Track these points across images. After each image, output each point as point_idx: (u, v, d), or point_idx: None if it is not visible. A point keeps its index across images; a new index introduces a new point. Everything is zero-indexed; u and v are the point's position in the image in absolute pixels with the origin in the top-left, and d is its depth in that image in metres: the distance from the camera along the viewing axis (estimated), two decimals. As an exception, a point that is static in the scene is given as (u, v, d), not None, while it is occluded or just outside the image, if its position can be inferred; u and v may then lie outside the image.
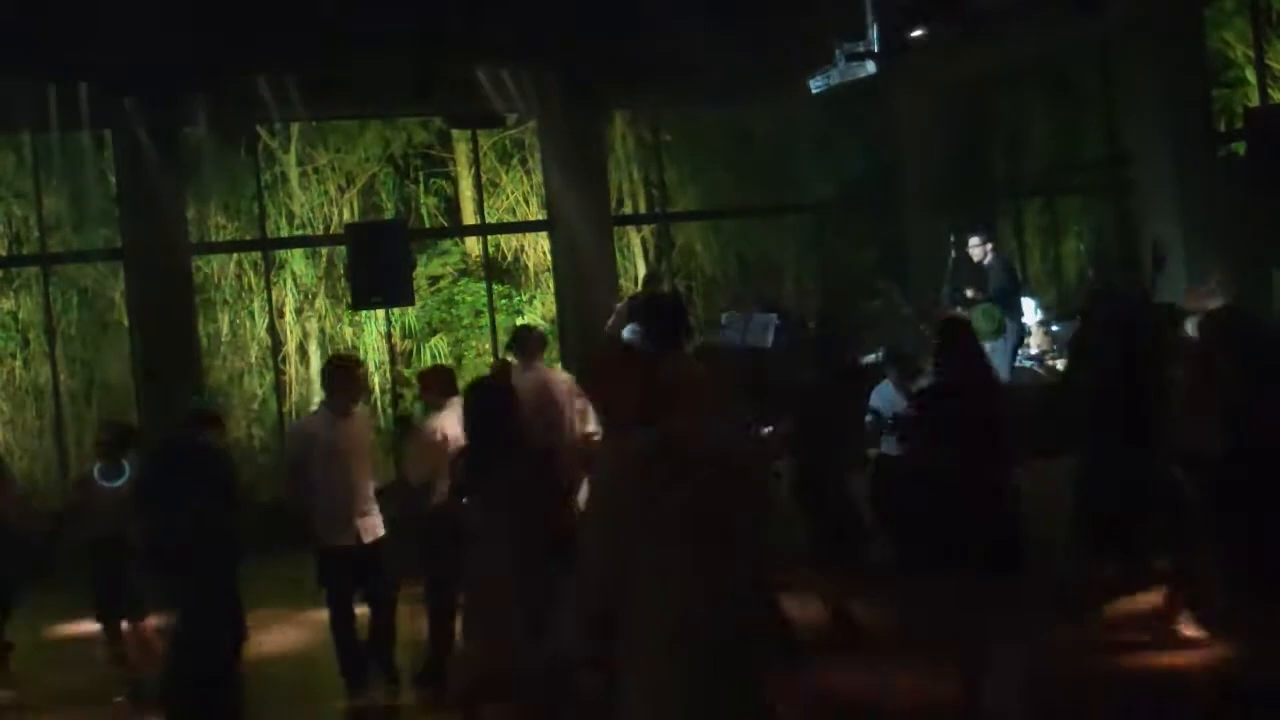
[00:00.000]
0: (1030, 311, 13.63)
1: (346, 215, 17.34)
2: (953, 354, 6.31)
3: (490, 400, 6.08)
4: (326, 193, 17.66)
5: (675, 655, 3.89)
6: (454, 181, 18.21)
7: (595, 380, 4.80)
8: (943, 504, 6.14)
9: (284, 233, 17.10)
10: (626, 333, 8.90)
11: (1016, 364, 13.00)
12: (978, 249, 13.06)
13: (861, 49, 11.90)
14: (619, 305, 12.43)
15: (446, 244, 18.23)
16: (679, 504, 3.92)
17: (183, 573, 7.13)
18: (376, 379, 17.51)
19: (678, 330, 5.82)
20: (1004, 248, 14.02)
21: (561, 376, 8.26)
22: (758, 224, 17.77)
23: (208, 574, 7.13)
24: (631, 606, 3.95)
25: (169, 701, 7.26)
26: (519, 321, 17.34)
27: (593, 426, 7.76)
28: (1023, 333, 13.19)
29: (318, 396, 17.74)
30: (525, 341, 8.63)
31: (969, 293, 13.00)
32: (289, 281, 17.35)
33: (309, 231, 17.45)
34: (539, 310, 17.90)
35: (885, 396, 9.62)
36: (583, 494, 7.73)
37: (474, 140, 16.93)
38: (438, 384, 8.16)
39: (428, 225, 18.13)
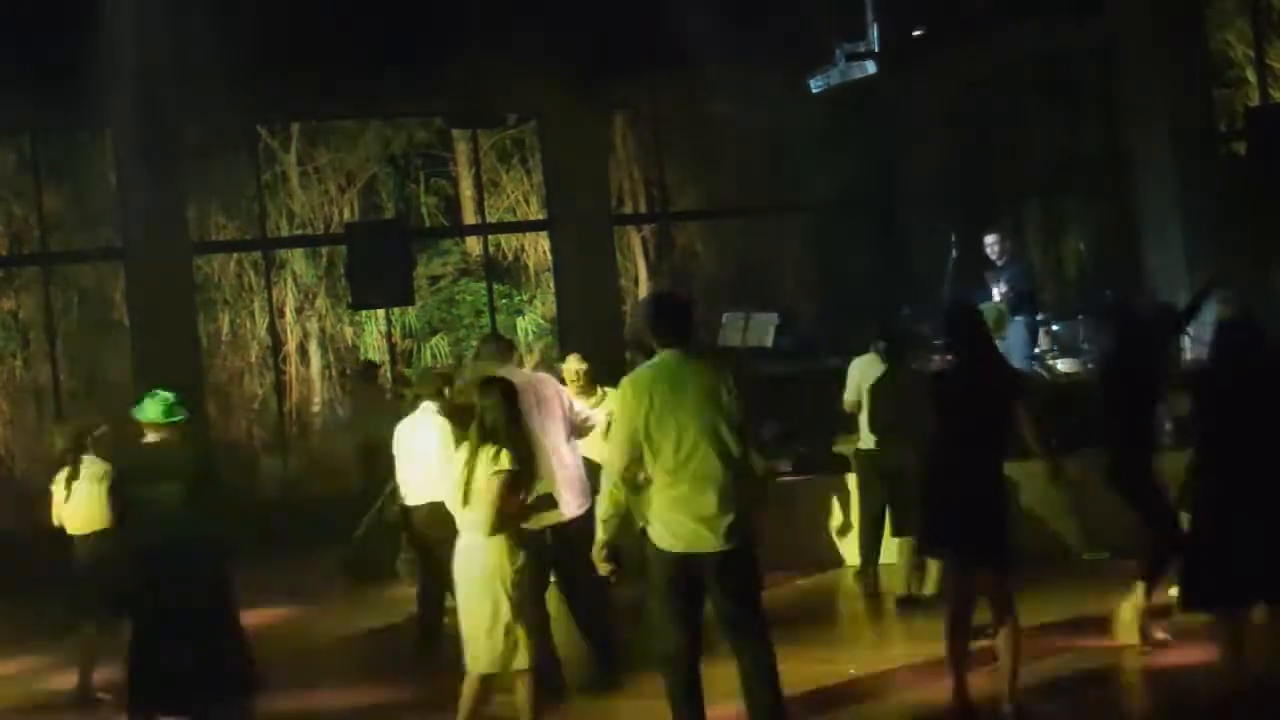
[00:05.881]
0: (1032, 311, 13.58)
1: (346, 215, 17.36)
2: (962, 340, 6.28)
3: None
4: (326, 193, 17.69)
5: None
6: (454, 181, 18.23)
7: None
8: (938, 495, 6.15)
9: (284, 232, 17.12)
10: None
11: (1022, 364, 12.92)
12: (994, 247, 12.96)
13: (861, 49, 11.90)
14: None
15: (446, 244, 18.24)
16: None
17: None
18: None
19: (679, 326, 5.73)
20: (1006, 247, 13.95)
21: (542, 376, 8.38)
22: (758, 224, 17.76)
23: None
24: None
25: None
26: (519, 321, 17.39)
27: (584, 410, 7.90)
28: (1036, 330, 13.11)
29: (318, 396, 17.88)
30: (506, 346, 8.68)
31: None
32: (289, 281, 17.37)
33: (309, 231, 17.47)
34: (539, 310, 17.91)
35: None
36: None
37: (474, 140, 16.94)
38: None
39: (428, 225, 18.15)
